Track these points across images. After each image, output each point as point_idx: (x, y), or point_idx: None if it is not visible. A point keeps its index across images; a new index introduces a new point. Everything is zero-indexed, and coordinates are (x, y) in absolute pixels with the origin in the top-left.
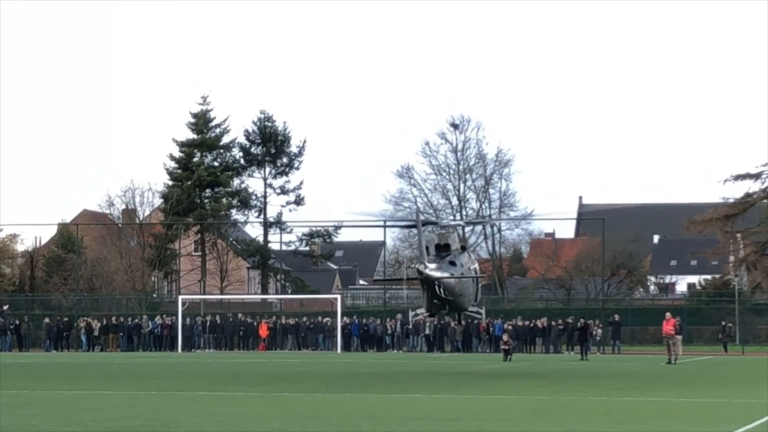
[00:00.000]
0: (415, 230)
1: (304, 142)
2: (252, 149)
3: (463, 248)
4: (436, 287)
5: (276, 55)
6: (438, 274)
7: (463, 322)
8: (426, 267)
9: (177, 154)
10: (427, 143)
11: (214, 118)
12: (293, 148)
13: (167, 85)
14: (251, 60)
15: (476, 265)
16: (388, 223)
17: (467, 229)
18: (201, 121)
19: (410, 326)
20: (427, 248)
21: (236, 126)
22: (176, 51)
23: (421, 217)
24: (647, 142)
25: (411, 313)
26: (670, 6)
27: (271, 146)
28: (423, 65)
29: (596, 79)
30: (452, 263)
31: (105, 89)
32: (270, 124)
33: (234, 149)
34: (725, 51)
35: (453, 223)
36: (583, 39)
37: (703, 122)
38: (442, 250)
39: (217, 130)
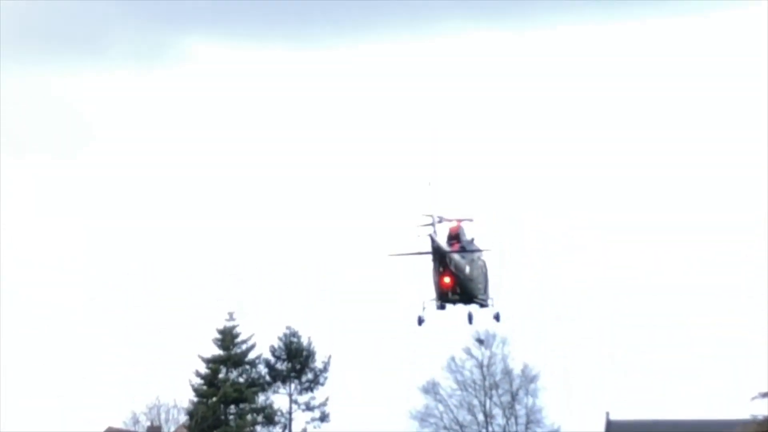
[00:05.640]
0: None
1: (329, 357)
2: (277, 365)
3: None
4: (447, 261)
5: (301, 272)
6: (448, 249)
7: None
8: (437, 235)
9: (203, 370)
10: (453, 359)
11: (240, 333)
12: (318, 364)
13: (194, 302)
14: (277, 277)
15: (486, 262)
16: None
17: None
18: (227, 338)
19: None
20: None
21: (262, 341)
22: (203, 267)
23: None
24: (675, 357)
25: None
26: None
27: (297, 362)
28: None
29: (622, 300)
30: (463, 248)
31: (130, 305)
32: (295, 339)
33: (259, 365)
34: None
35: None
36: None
37: (732, 339)
38: (454, 239)
39: (243, 346)
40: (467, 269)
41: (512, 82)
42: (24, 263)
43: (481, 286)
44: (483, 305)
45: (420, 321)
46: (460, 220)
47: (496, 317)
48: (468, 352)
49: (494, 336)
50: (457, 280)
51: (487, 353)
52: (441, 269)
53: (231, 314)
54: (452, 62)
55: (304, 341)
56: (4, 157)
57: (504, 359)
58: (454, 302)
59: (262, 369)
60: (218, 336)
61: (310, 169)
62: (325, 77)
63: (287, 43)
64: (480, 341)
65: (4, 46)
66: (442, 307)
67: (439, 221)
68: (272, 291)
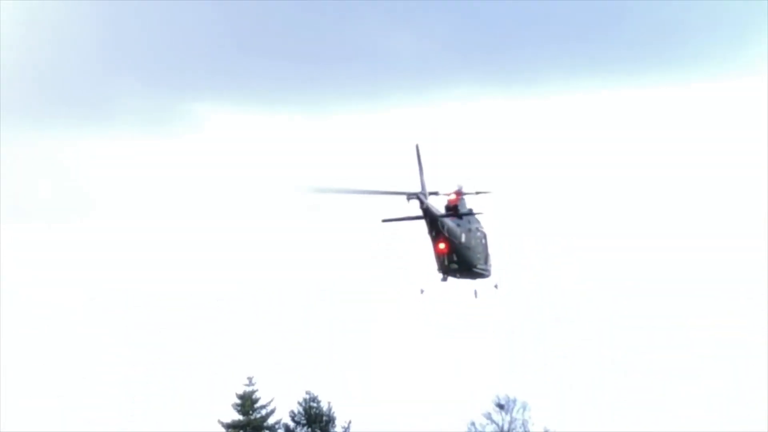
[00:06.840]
0: None
1: (349, 423)
2: (297, 430)
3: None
4: (440, 226)
5: (320, 333)
6: (439, 213)
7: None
8: (426, 197)
9: None
10: (473, 424)
11: (260, 398)
12: (338, 429)
13: (212, 367)
14: (296, 340)
15: (485, 234)
16: None
17: None
18: (247, 402)
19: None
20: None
21: (282, 406)
22: (221, 332)
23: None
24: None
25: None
26: None
27: (317, 427)
28: (468, 342)
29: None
30: (459, 217)
31: (149, 371)
32: (315, 404)
33: (279, 430)
34: None
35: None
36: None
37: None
38: (451, 210)
39: (263, 411)
40: (463, 237)
41: (518, 146)
42: (30, 332)
43: (480, 255)
44: (483, 276)
45: (421, 291)
46: (458, 193)
47: (496, 286)
48: (488, 417)
49: (515, 401)
50: (453, 246)
51: (508, 418)
52: (434, 234)
53: (250, 379)
54: (462, 127)
55: (324, 406)
56: (8, 222)
57: (524, 424)
58: (454, 273)
59: None
60: (237, 401)
61: (317, 233)
62: (334, 143)
63: (297, 109)
64: (500, 406)
65: (18, 112)
66: (444, 279)
67: (434, 193)
68: (291, 354)
